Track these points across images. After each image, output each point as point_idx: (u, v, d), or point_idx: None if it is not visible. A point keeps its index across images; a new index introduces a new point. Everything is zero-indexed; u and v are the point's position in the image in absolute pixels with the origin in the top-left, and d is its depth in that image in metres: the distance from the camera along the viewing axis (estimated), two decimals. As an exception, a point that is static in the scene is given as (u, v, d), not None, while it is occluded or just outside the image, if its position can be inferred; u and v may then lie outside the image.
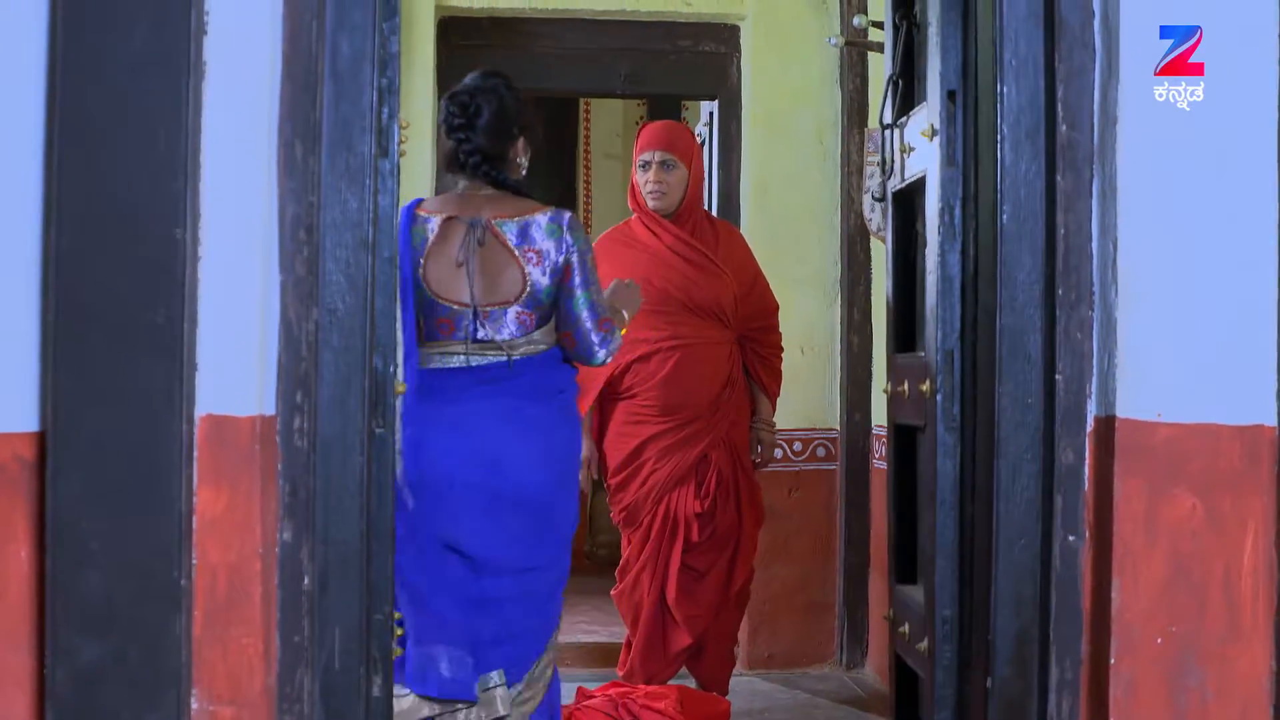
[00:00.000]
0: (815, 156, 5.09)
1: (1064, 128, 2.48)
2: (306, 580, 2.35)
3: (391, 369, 2.60)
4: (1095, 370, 2.47)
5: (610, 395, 4.13)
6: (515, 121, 3.12)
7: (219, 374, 2.24)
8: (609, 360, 3.09)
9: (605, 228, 8.12)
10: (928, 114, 2.91)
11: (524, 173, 3.17)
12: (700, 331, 4.10)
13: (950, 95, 2.75)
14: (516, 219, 3.01)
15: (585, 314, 3.01)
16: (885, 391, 3.32)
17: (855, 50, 4.86)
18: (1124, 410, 2.41)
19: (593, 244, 3.20)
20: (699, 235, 4.14)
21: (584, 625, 5.88)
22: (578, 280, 3.01)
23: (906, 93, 3.21)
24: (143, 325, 2.16)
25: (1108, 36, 2.45)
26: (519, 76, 5.41)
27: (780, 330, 4.34)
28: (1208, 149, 2.41)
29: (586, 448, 4.03)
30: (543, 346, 3.04)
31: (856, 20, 4.45)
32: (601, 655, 5.09)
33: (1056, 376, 2.49)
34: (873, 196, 4.33)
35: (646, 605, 4.13)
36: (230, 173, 2.25)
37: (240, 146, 2.26)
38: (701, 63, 5.29)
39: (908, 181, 3.17)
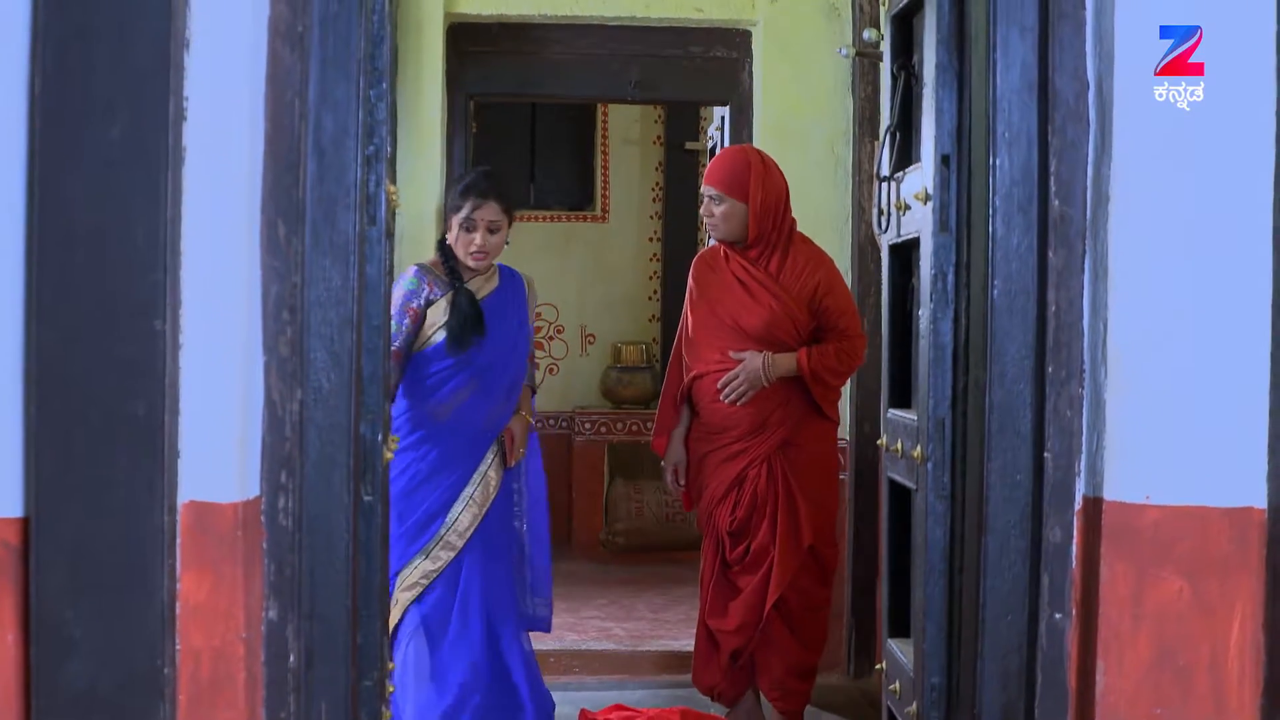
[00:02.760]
0: (827, 165, 5.05)
1: (1056, 202, 2.44)
2: (292, 658, 2.36)
3: (380, 436, 2.62)
4: (1084, 449, 2.45)
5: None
6: None
7: (201, 462, 2.23)
8: None
9: (622, 214, 8.19)
10: (922, 176, 2.87)
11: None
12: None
13: (944, 160, 2.70)
14: None
15: None
16: (880, 445, 3.30)
17: (867, 59, 4.79)
18: (1112, 491, 2.40)
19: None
20: (763, 261, 4.10)
21: (597, 622, 5.80)
22: None
23: (904, 144, 3.17)
24: (123, 417, 2.16)
25: (1102, 109, 2.41)
26: (528, 82, 5.45)
27: (857, 335, 4.21)
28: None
29: (676, 454, 4.24)
30: None
31: (866, 34, 4.38)
32: (612, 664, 5.08)
33: (1045, 454, 2.47)
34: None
35: (700, 613, 4.21)
36: (211, 258, 2.23)
37: (221, 230, 2.24)
38: (713, 68, 5.25)
39: (903, 239, 3.13)
